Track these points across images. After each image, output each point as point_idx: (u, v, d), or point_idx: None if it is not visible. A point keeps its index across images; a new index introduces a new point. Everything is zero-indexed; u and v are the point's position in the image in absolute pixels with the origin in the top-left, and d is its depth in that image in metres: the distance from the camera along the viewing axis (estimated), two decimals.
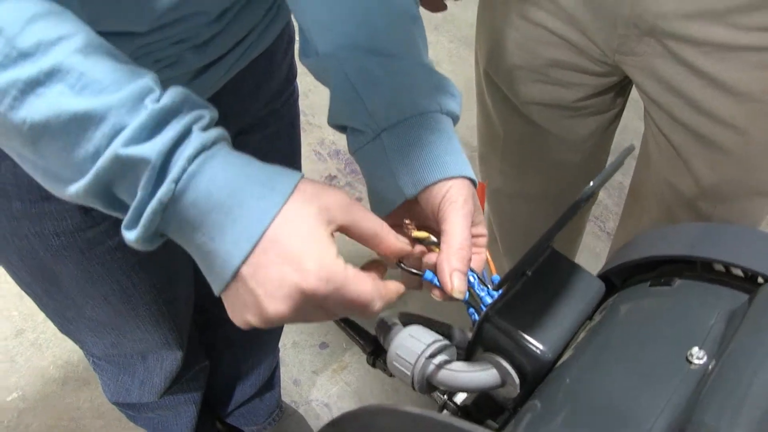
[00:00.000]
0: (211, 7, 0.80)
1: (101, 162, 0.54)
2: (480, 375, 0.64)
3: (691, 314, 0.60)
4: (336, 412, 1.86)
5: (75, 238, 0.89)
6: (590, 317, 0.67)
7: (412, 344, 0.66)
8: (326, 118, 0.77)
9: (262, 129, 1.07)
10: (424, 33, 0.79)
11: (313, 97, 2.47)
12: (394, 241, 0.65)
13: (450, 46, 2.95)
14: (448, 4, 1.35)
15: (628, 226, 1.41)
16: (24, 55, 0.52)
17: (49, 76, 0.53)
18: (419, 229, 0.73)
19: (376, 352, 0.77)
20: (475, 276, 0.70)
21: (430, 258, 0.72)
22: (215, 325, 1.40)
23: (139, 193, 0.55)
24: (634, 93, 1.19)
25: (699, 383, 0.53)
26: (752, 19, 0.93)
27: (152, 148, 0.54)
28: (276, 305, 0.58)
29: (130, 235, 0.57)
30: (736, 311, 0.58)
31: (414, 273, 0.70)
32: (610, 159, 1.41)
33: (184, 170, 0.55)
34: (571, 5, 1.05)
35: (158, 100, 0.55)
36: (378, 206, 0.75)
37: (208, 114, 0.58)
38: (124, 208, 0.57)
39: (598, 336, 0.63)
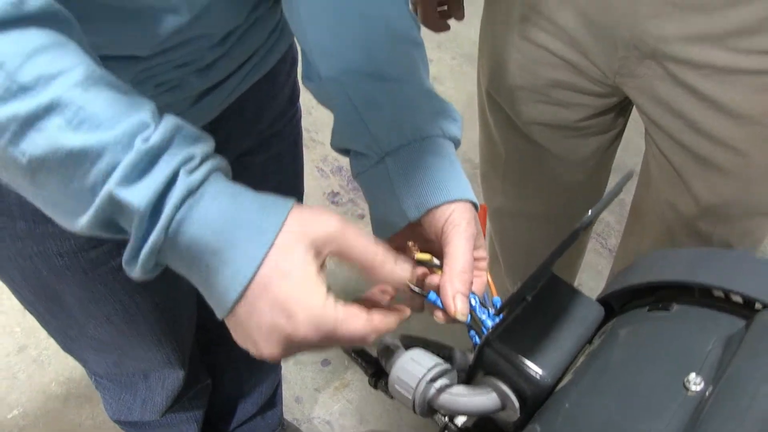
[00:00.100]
0: (214, 30, 0.80)
1: (99, 201, 0.55)
2: (480, 399, 0.64)
3: (688, 340, 0.60)
4: (338, 430, 1.86)
5: (78, 259, 0.90)
6: (590, 341, 0.67)
7: (414, 368, 0.67)
8: (329, 135, 0.78)
9: (266, 150, 1.08)
10: (425, 57, 0.80)
11: (316, 113, 2.48)
12: (389, 273, 0.63)
13: (452, 63, 2.96)
14: (450, 23, 1.36)
15: (629, 243, 1.41)
16: (24, 89, 0.53)
17: (48, 110, 0.53)
18: (422, 251, 0.74)
19: (378, 374, 0.78)
20: (477, 299, 0.71)
21: (433, 279, 0.73)
22: (217, 343, 1.40)
23: (133, 235, 0.56)
24: (636, 112, 1.19)
25: (696, 410, 0.53)
26: (752, 43, 0.93)
27: (141, 196, 0.54)
28: (270, 348, 0.59)
29: (130, 271, 0.59)
30: (733, 337, 0.58)
31: (418, 293, 0.70)
32: (611, 177, 1.42)
33: (171, 218, 0.55)
34: (572, 27, 1.05)
35: (148, 139, 0.55)
36: (381, 229, 0.75)
37: (199, 150, 0.58)
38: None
39: (597, 361, 0.63)
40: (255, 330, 0.59)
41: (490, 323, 0.69)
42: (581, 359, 0.65)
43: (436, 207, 0.70)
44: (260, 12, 0.86)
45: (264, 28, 0.90)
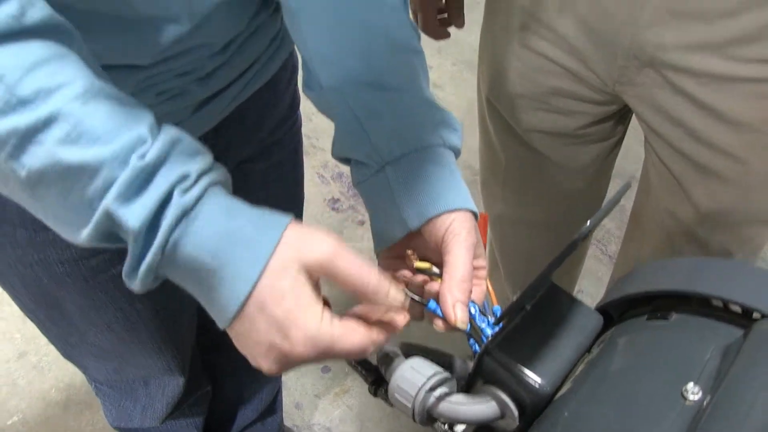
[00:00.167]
0: (215, 39, 0.81)
1: (97, 216, 0.55)
2: (479, 407, 0.64)
3: (686, 349, 0.61)
4: None
5: (79, 266, 0.90)
6: (588, 350, 0.67)
7: (413, 377, 0.67)
8: (330, 141, 0.78)
9: (266, 158, 1.08)
10: (425, 66, 0.80)
11: (316, 120, 2.48)
12: (383, 299, 0.62)
13: (453, 69, 2.97)
14: (450, 31, 1.37)
15: (629, 250, 1.41)
16: (23, 103, 0.53)
17: (47, 123, 0.53)
18: (421, 260, 0.74)
19: (378, 381, 0.78)
20: (476, 308, 0.71)
21: (432, 287, 0.73)
22: (218, 348, 1.40)
23: (130, 252, 0.57)
24: (635, 119, 1.20)
25: (694, 419, 0.53)
26: (751, 51, 0.94)
27: (136, 215, 0.55)
28: (268, 364, 0.61)
29: (130, 284, 0.59)
30: (731, 346, 0.58)
31: (418, 301, 0.71)
32: (612, 184, 1.42)
33: (167, 239, 0.56)
34: (571, 35, 1.06)
35: (144, 156, 0.55)
36: (381, 238, 0.75)
37: (196, 167, 0.58)
38: None
39: (596, 370, 0.63)
40: (254, 346, 0.60)
41: (489, 332, 0.70)
42: (580, 368, 0.65)
43: (437, 216, 0.71)
44: (260, 20, 0.87)
45: (264, 37, 0.91)
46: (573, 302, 0.70)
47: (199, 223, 0.57)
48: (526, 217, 1.46)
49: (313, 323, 0.58)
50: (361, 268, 0.60)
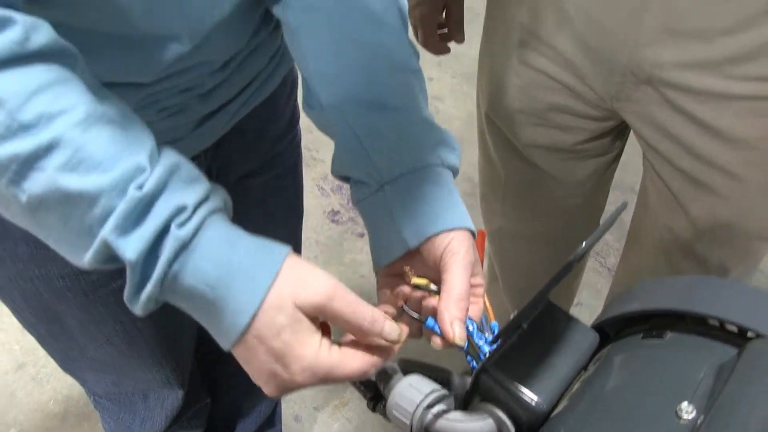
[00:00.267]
0: (215, 57, 0.81)
1: (97, 243, 0.56)
2: (476, 425, 0.65)
3: (681, 368, 0.61)
4: None
5: (79, 281, 0.91)
6: (585, 368, 0.68)
7: (411, 394, 0.67)
8: (330, 153, 0.79)
9: (266, 172, 1.09)
10: (424, 86, 0.81)
11: (316, 132, 2.46)
12: (378, 336, 0.63)
13: (452, 82, 2.97)
14: (450, 45, 1.37)
15: (628, 264, 1.41)
16: (25, 128, 0.53)
17: (48, 150, 0.54)
18: (418, 276, 0.75)
19: (377, 397, 0.78)
20: (474, 324, 0.72)
21: (429, 302, 0.74)
22: (217, 360, 1.41)
23: (129, 282, 0.57)
24: (634, 135, 1.20)
25: None
26: (748, 69, 0.94)
27: (132, 248, 0.55)
28: (269, 389, 0.62)
29: (132, 308, 0.60)
30: (725, 365, 0.59)
31: (416, 318, 0.72)
32: (611, 195, 1.43)
33: (166, 272, 0.57)
34: (570, 52, 1.06)
35: (142, 186, 0.55)
36: (380, 256, 0.76)
37: (193, 197, 0.58)
38: None
39: (592, 388, 0.63)
40: (255, 372, 0.62)
41: (486, 349, 0.70)
42: (576, 386, 0.65)
43: (435, 235, 0.71)
44: (260, 38, 0.87)
45: (264, 54, 0.91)
46: (569, 320, 0.70)
47: (198, 255, 0.57)
48: (526, 231, 1.46)
49: (311, 354, 0.59)
50: (356, 309, 0.61)
